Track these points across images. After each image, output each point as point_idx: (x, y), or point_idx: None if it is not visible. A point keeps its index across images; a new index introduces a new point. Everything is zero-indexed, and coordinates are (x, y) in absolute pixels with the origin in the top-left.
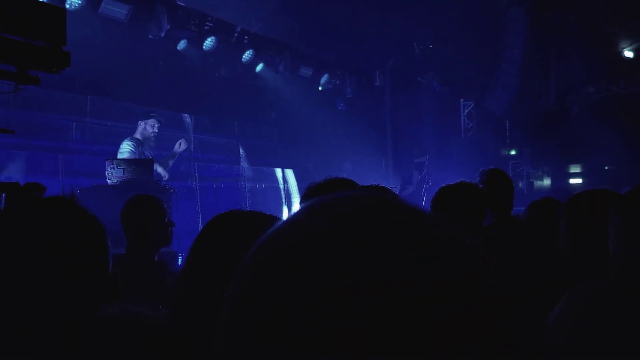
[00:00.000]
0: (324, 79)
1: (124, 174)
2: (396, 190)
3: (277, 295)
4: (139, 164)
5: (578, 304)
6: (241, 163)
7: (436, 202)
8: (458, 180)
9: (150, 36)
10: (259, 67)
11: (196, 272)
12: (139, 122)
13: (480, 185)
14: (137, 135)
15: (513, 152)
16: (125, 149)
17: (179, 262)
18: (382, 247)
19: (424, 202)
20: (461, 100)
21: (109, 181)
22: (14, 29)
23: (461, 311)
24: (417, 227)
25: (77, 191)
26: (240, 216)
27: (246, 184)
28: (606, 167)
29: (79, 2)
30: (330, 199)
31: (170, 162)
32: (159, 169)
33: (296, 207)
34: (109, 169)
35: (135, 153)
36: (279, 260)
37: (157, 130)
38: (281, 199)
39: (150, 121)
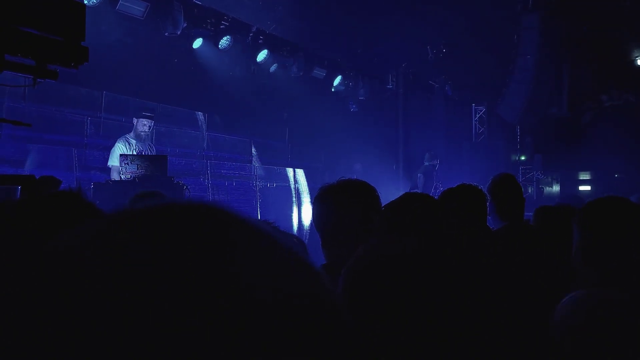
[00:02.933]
0: (337, 80)
1: (137, 169)
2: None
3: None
4: (153, 160)
5: (588, 308)
6: (253, 162)
7: (440, 204)
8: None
9: (166, 34)
10: (273, 67)
11: None
12: (133, 118)
13: (482, 189)
14: (132, 132)
15: (523, 158)
16: (116, 153)
17: None
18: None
19: None
20: (473, 105)
21: (122, 176)
22: (34, 23)
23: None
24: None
25: (90, 185)
26: None
27: (257, 183)
28: (616, 175)
29: None
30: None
31: None
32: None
33: (307, 206)
34: (123, 165)
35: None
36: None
37: (147, 130)
38: (292, 198)
39: (143, 120)
